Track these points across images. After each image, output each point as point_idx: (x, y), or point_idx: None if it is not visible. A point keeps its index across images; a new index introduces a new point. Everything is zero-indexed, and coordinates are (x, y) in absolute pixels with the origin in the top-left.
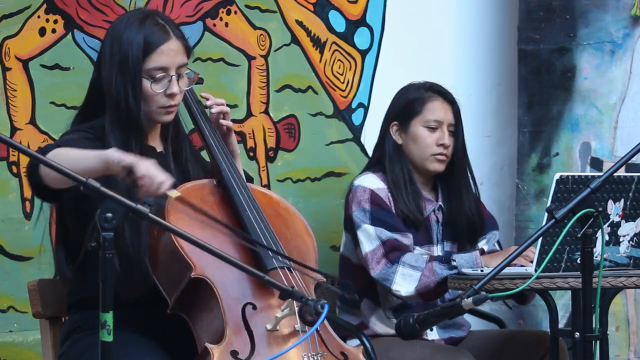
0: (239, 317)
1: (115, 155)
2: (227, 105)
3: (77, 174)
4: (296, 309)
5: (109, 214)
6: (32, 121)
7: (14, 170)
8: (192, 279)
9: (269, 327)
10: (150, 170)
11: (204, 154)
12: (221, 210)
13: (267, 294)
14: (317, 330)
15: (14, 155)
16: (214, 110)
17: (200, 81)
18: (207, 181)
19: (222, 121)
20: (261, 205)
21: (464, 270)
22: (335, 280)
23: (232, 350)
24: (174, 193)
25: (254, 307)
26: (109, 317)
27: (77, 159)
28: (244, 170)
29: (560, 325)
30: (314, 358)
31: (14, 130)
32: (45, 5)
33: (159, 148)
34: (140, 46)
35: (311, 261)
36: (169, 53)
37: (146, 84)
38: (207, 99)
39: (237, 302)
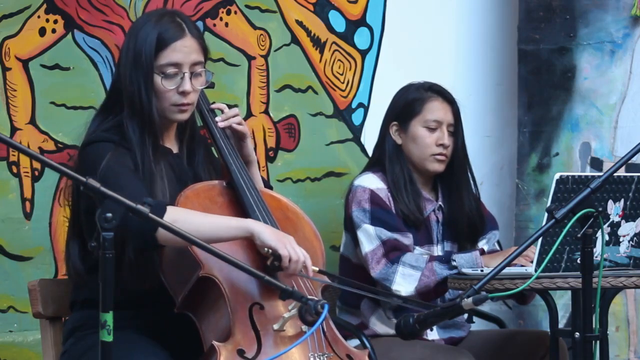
0: (246, 316)
1: (258, 230)
2: (228, 105)
3: (204, 240)
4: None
5: (109, 214)
6: (32, 121)
7: (14, 170)
8: (201, 278)
9: (275, 327)
10: (292, 254)
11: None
12: (231, 211)
13: (274, 294)
14: (323, 331)
15: (14, 155)
16: (221, 125)
17: (211, 85)
18: (217, 182)
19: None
20: (270, 208)
21: (464, 270)
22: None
23: (238, 349)
24: (315, 269)
25: (262, 307)
26: (109, 317)
27: (217, 227)
28: (262, 177)
29: (560, 325)
30: (320, 358)
31: (14, 130)
32: (45, 5)
33: (175, 149)
34: (153, 42)
35: (318, 265)
36: (182, 50)
37: (157, 79)
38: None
39: (244, 302)
